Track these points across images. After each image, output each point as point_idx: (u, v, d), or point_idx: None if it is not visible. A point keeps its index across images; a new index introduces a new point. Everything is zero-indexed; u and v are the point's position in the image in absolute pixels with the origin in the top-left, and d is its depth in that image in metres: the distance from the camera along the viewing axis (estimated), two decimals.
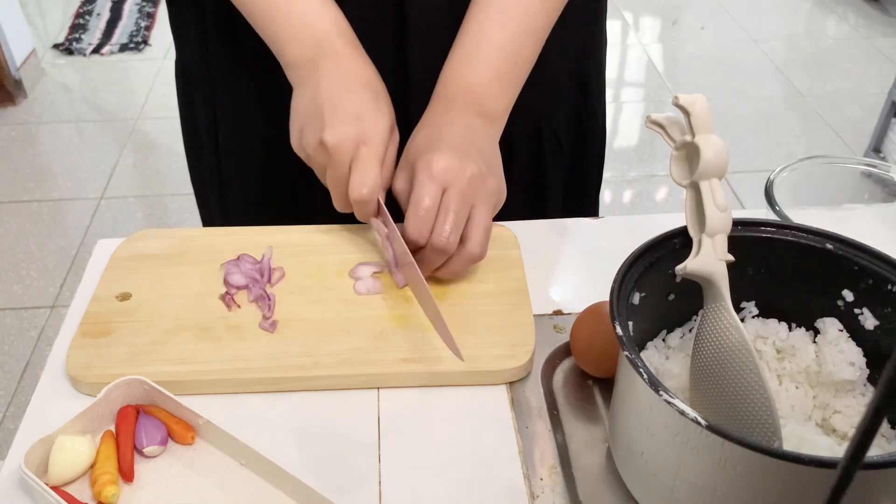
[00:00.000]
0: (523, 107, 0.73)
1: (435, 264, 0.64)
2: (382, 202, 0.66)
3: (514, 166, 0.82)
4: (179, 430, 0.56)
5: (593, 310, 0.60)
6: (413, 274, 0.63)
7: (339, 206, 0.68)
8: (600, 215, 0.80)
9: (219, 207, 0.90)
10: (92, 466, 0.53)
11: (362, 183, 0.63)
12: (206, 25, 0.79)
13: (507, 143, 0.79)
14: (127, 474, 0.53)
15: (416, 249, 0.64)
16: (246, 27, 0.71)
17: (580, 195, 0.92)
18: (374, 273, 0.68)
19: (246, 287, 0.66)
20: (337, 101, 0.64)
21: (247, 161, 0.85)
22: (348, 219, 0.70)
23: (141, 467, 0.54)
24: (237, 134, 0.84)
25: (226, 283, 0.67)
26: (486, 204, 0.64)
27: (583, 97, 0.86)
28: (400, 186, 0.66)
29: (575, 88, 0.84)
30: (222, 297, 0.66)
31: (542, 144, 0.84)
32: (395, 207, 0.67)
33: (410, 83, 0.76)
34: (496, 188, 0.66)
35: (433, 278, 0.66)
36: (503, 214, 0.70)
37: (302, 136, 0.66)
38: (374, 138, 0.64)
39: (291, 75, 0.69)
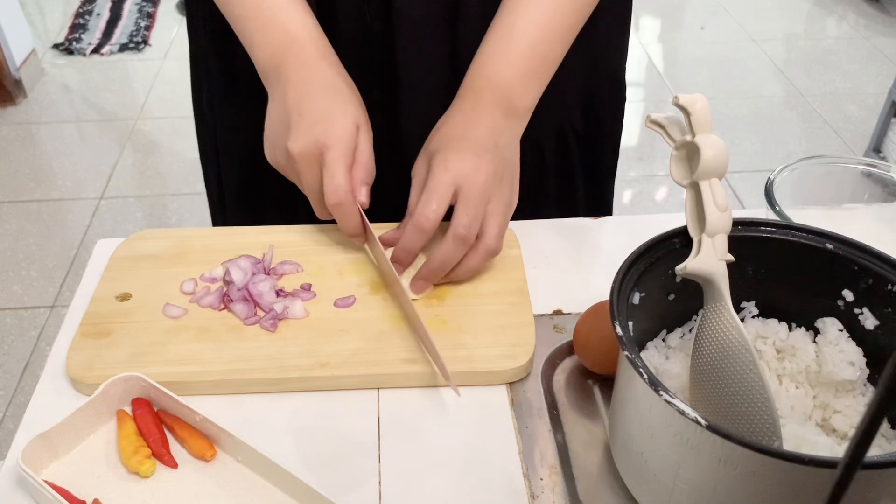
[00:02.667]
0: (550, 105, 0.73)
1: (455, 258, 0.64)
2: (364, 199, 0.65)
3: (546, 166, 0.83)
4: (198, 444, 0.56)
5: (597, 308, 0.60)
6: (399, 294, 0.63)
7: (319, 213, 0.68)
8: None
9: (218, 204, 0.90)
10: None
11: (335, 187, 0.63)
12: (201, 28, 0.79)
13: (537, 144, 0.79)
14: (167, 459, 0.54)
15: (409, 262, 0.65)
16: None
17: (599, 193, 0.92)
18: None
19: (245, 288, 0.66)
20: (300, 109, 0.64)
21: (240, 160, 0.85)
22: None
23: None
24: (233, 134, 0.84)
25: (225, 282, 0.67)
26: (501, 201, 0.65)
27: (605, 98, 0.85)
28: (419, 170, 0.66)
29: (599, 88, 0.84)
30: (222, 297, 0.65)
31: (567, 143, 0.84)
32: (384, 208, 0.67)
33: (399, 76, 0.76)
34: (511, 187, 0.66)
35: (444, 279, 0.66)
36: (540, 213, 0.69)
37: (274, 149, 0.67)
38: (336, 140, 0.63)
39: (265, 82, 0.69)
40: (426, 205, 0.62)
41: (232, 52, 0.76)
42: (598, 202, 0.91)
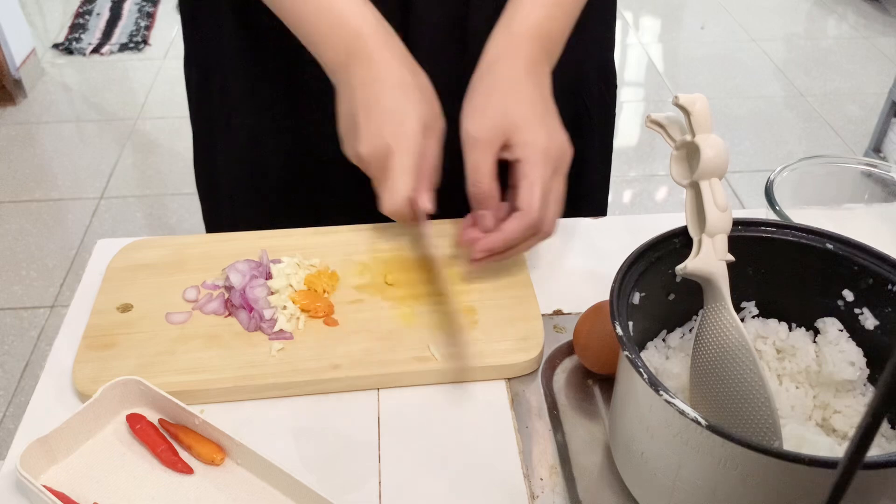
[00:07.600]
0: None
1: (519, 240, 0.64)
2: (428, 205, 0.64)
3: None
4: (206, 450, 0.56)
5: (597, 308, 0.60)
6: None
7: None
8: None
9: (229, 203, 0.89)
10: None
11: (391, 197, 0.63)
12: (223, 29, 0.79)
13: None
14: (181, 466, 0.54)
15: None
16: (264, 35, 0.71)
17: (585, 189, 0.91)
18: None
19: (242, 293, 0.65)
20: (368, 109, 0.64)
21: (274, 154, 0.84)
22: (357, 219, 0.72)
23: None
24: (257, 128, 0.83)
25: (226, 288, 0.66)
26: (562, 175, 0.65)
27: (591, 83, 0.85)
28: (486, 145, 0.64)
29: (586, 75, 0.84)
30: (225, 303, 0.65)
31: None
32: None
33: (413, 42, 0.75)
34: (570, 153, 0.66)
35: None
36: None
37: (347, 147, 0.67)
38: (402, 144, 0.63)
39: (332, 79, 0.69)
40: (536, 203, 0.62)
41: (261, 64, 0.76)
42: (580, 199, 0.90)
